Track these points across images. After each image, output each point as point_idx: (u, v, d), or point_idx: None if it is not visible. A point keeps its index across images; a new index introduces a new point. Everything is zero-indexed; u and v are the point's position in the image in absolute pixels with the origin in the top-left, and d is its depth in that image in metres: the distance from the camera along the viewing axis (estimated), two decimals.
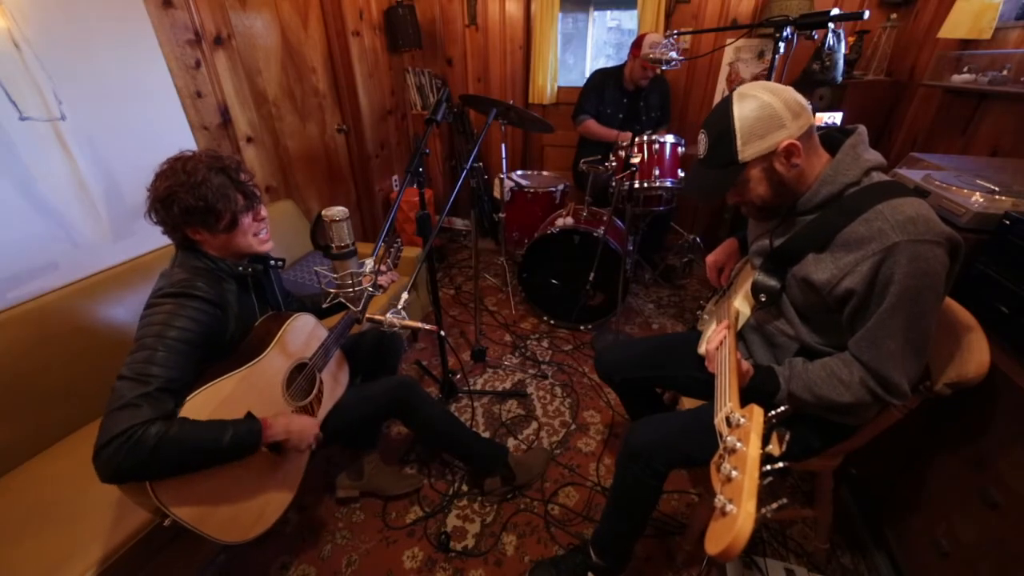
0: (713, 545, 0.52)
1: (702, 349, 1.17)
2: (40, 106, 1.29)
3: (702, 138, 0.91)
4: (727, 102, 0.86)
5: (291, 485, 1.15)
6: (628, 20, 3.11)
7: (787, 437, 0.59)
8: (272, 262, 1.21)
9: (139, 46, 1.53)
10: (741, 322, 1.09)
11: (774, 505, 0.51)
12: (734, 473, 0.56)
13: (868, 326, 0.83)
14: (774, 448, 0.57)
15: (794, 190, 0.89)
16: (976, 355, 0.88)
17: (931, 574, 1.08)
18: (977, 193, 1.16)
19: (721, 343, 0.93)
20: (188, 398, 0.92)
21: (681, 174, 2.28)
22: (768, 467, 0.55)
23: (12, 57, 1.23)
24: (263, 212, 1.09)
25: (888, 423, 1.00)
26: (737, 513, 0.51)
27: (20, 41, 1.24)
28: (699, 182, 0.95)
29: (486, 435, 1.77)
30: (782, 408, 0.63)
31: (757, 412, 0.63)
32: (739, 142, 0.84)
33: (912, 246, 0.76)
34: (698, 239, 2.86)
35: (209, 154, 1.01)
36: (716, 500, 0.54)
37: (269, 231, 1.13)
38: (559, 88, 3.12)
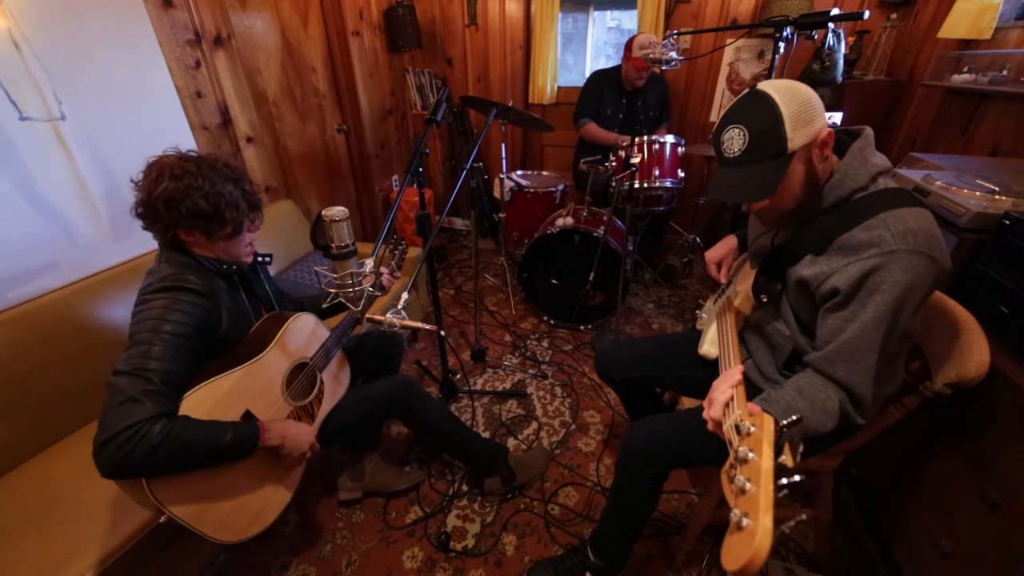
0: (731, 561, 0.50)
1: (703, 350, 1.17)
2: (40, 106, 1.29)
3: (736, 133, 0.81)
4: (759, 94, 0.80)
5: (290, 485, 1.15)
6: (628, 20, 3.11)
7: (801, 448, 0.57)
8: (259, 258, 1.20)
9: (139, 46, 1.52)
10: (742, 323, 1.09)
11: (792, 522, 0.50)
12: (748, 485, 0.55)
13: (845, 337, 0.80)
14: (787, 459, 0.55)
15: (817, 188, 0.85)
16: (976, 355, 0.88)
17: (931, 574, 1.08)
18: (977, 193, 1.16)
19: (728, 404, 0.78)
20: (187, 394, 0.91)
21: (681, 174, 2.28)
22: (784, 480, 0.53)
23: (12, 57, 1.22)
24: (259, 223, 1.11)
25: (888, 423, 1.00)
26: (755, 528, 0.49)
27: (20, 41, 1.24)
28: (743, 181, 0.82)
29: (486, 435, 1.77)
30: (795, 417, 0.61)
31: (768, 421, 0.61)
32: (788, 128, 0.77)
33: (908, 256, 0.75)
34: (698, 239, 2.86)
35: (224, 162, 1.02)
36: (732, 514, 0.53)
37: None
38: (559, 88, 3.13)
